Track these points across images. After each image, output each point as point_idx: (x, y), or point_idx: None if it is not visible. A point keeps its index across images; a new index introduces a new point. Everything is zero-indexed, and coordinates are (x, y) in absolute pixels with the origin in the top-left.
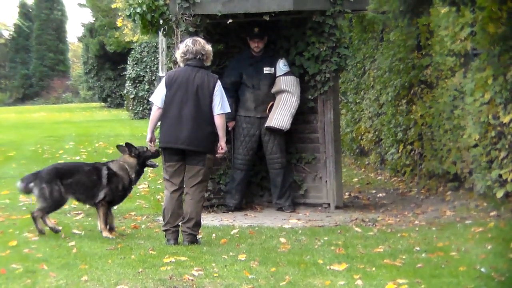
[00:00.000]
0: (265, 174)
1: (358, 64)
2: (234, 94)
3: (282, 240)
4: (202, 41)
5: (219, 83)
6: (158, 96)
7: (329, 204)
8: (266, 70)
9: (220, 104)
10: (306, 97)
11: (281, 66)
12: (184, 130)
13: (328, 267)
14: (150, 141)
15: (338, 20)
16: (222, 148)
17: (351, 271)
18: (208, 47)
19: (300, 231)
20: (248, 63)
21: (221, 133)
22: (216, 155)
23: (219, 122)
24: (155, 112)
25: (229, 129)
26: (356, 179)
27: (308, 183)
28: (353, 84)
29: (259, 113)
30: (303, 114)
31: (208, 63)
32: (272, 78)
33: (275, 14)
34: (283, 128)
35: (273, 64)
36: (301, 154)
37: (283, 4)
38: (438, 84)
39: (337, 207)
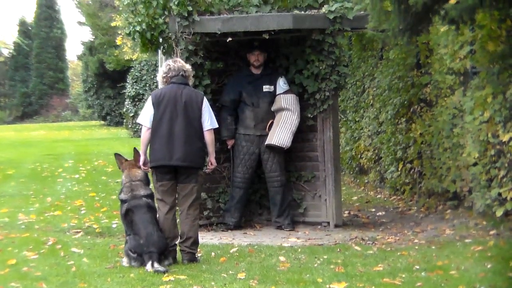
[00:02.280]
0: (264, 192)
1: (357, 82)
2: (233, 112)
3: (282, 258)
4: (181, 60)
5: (205, 99)
6: (146, 117)
7: (328, 223)
8: (266, 88)
9: (209, 120)
10: (305, 115)
11: (281, 84)
12: (177, 147)
13: (327, 286)
14: (144, 164)
15: (338, 38)
16: (211, 164)
17: None
18: (188, 66)
19: (299, 250)
20: (247, 81)
21: (210, 148)
22: (206, 171)
23: (208, 137)
24: (145, 133)
25: (229, 147)
26: (355, 198)
27: (307, 201)
28: (352, 102)
29: (258, 131)
30: (302, 132)
31: (190, 82)
32: (272, 96)
33: (275, 32)
34: (284, 146)
35: (272, 82)
36: (301, 172)
37: (282, 23)
38: (438, 102)
39: (336, 226)
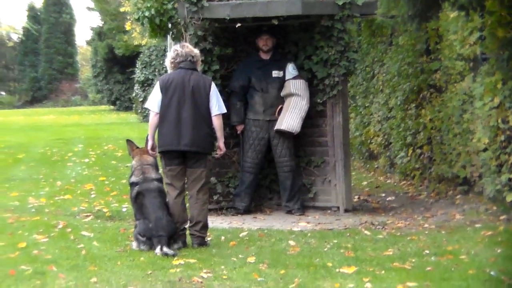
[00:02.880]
0: (274, 177)
1: (367, 68)
2: (242, 97)
3: (292, 243)
4: (189, 45)
5: (213, 84)
6: (154, 102)
7: (338, 207)
8: (275, 73)
9: (217, 105)
10: (315, 101)
11: (290, 69)
12: (185, 132)
13: (337, 270)
14: (152, 148)
15: (347, 24)
16: (220, 149)
17: (360, 274)
18: (197, 51)
19: (309, 234)
20: (257, 67)
21: (219, 134)
22: (215, 156)
23: (217, 123)
24: (153, 118)
25: (238, 132)
26: (365, 183)
27: (317, 186)
28: (362, 88)
29: (268, 116)
30: (312, 118)
31: (199, 67)
32: (281, 81)
33: (283, 18)
34: (294, 131)
35: (281, 68)
36: (310, 157)
37: (291, 9)
38: (447, 88)
39: (346, 210)
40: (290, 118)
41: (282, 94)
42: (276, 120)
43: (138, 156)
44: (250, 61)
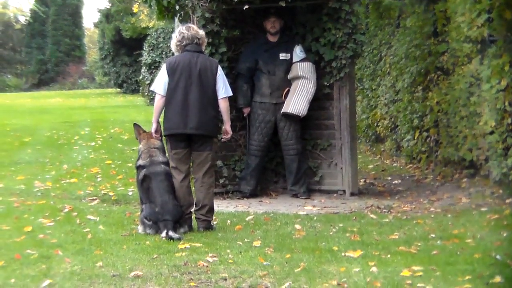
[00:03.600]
0: (280, 160)
1: (374, 51)
2: (249, 80)
3: (297, 226)
4: (195, 27)
5: (220, 67)
6: (160, 84)
7: (344, 191)
8: (282, 56)
9: (224, 88)
10: (322, 84)
11: (298, 52)
12: (192, 115)
13: (343, 254)
14: (156, 131)
15: (355, 6)
16: (227, 132)
17: (366, 258)
18: (202, 32)
19: (315, 218)
20: (264, 49)
21: (225, 117)
22: (221, 139)
23: (223, 105)
24: (159, 101)
25: (245, 115)
26: (371, 166)
27: (323, 169)
28: (369, 71)
29: (274, 99)
30: (318, 101)
31: (204, 49)
32: (288, 64)
33: (291, 0)
34: (300, 114)
35: (288, 50)
36: (317, 140)
37: None
38: (455, 70)
39: (352, 194)
40: (297, 101)
41: (289, 76)
42: (282, 102)
43: (145, 140)
44: (257, 44)
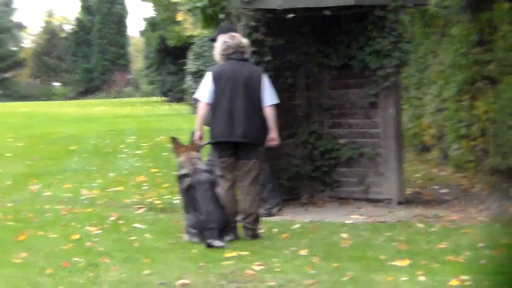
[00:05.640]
0: (326, 169)
1: (420, 59)
2: None
3: (344, 235)
4: (238, 35)
5: (265, 75)
6: (204, 92)
7: (391, 200)
8: None
9: (270, 96)
10: (367, 92)
11: None
12: (238, 124)
13: (390, 263)
14: (200, 138)
15: (400, 14)
16: (274, 140)
17: (413, 267)
18: (245, 41)
19: (362, 227)
20: None
21: (272, 124)
22: (267, 146)
23: (269, 113)
24: (202, 108)
25: None
26: (418, 175)
27: (370, 178)
28: (415, 79)
29: None
30: (364, 109)
31: (248, 57)
32: None
33: (336, 9)
34: None
35: None
36: (363, 149)
37: None
38: (502, 79)
39: (399, 203)
40: None
41: None
42: None
43: (185, 152)
44: None
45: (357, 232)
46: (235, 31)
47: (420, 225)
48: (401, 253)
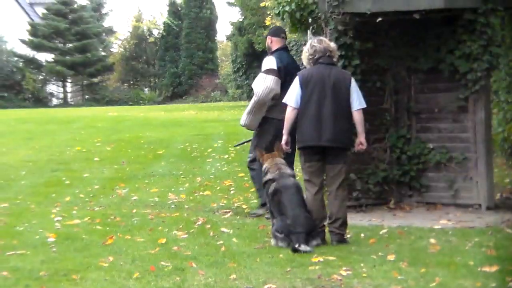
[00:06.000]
0: (414, 174)
1: (510, 63)
2: None
3: (432, 240)
4: (326, 39)
5: (353, 79)
6: (292, 97)
7: (480, 205)
8: None
9: (358, 100)
10: (457, 96)
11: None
12: (326, 128)
13: (479, 269)
14: (286, 143)
15: (490, 18)
16: (362, 144)
17: (503, 273)
18: (333, 45)
19: (450, 232)
20: None
21: (360, 128)
22: (355, 151)
23: (358, 117)
24: (290, 113)
25: None
26: (508, 180)
27: (458, 183)
28: (505, 83)
29: None
30: (453, 113)
31: (336, 61)
32: None
33: (425, 12)
34: (242, 124)
35: None
36: (452, 154)
37: (433, 2)
38: None
39: (488, 208)
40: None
41: None
42: None
43: (270, 159)
44: None
45: (446, 237)
46: (284, 32)
47: (510, 230)
48: (490, 259)
